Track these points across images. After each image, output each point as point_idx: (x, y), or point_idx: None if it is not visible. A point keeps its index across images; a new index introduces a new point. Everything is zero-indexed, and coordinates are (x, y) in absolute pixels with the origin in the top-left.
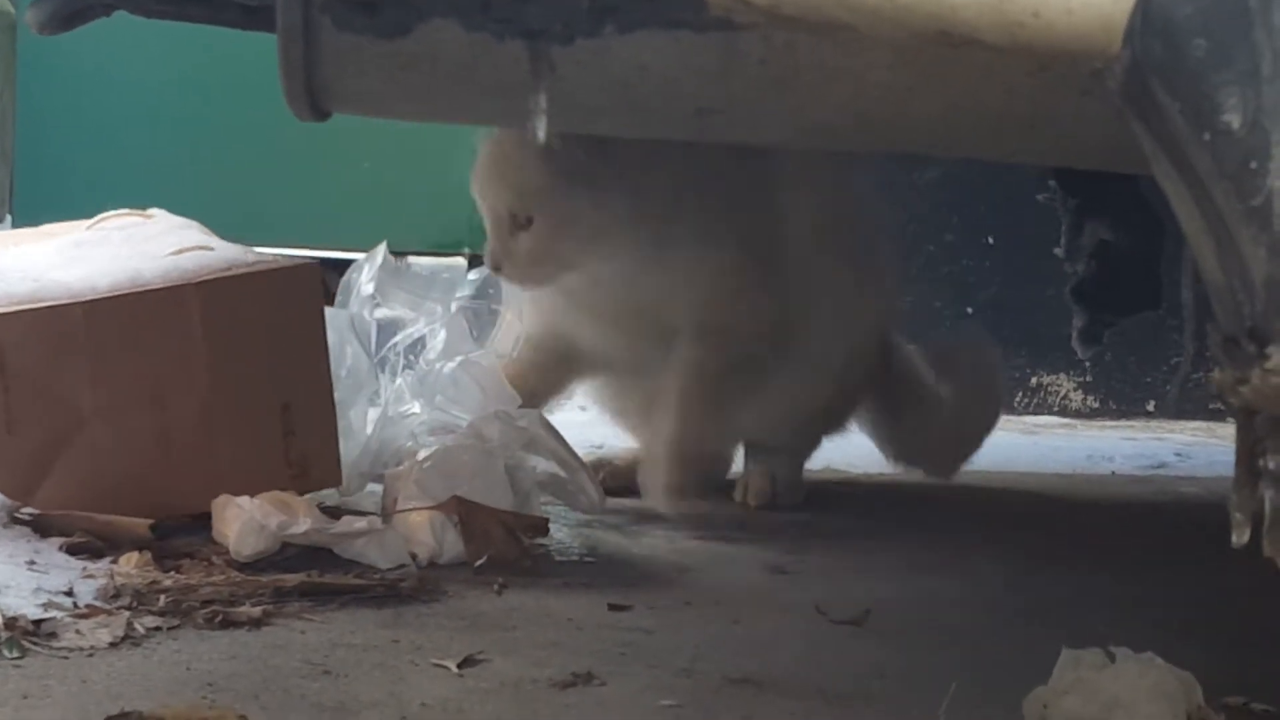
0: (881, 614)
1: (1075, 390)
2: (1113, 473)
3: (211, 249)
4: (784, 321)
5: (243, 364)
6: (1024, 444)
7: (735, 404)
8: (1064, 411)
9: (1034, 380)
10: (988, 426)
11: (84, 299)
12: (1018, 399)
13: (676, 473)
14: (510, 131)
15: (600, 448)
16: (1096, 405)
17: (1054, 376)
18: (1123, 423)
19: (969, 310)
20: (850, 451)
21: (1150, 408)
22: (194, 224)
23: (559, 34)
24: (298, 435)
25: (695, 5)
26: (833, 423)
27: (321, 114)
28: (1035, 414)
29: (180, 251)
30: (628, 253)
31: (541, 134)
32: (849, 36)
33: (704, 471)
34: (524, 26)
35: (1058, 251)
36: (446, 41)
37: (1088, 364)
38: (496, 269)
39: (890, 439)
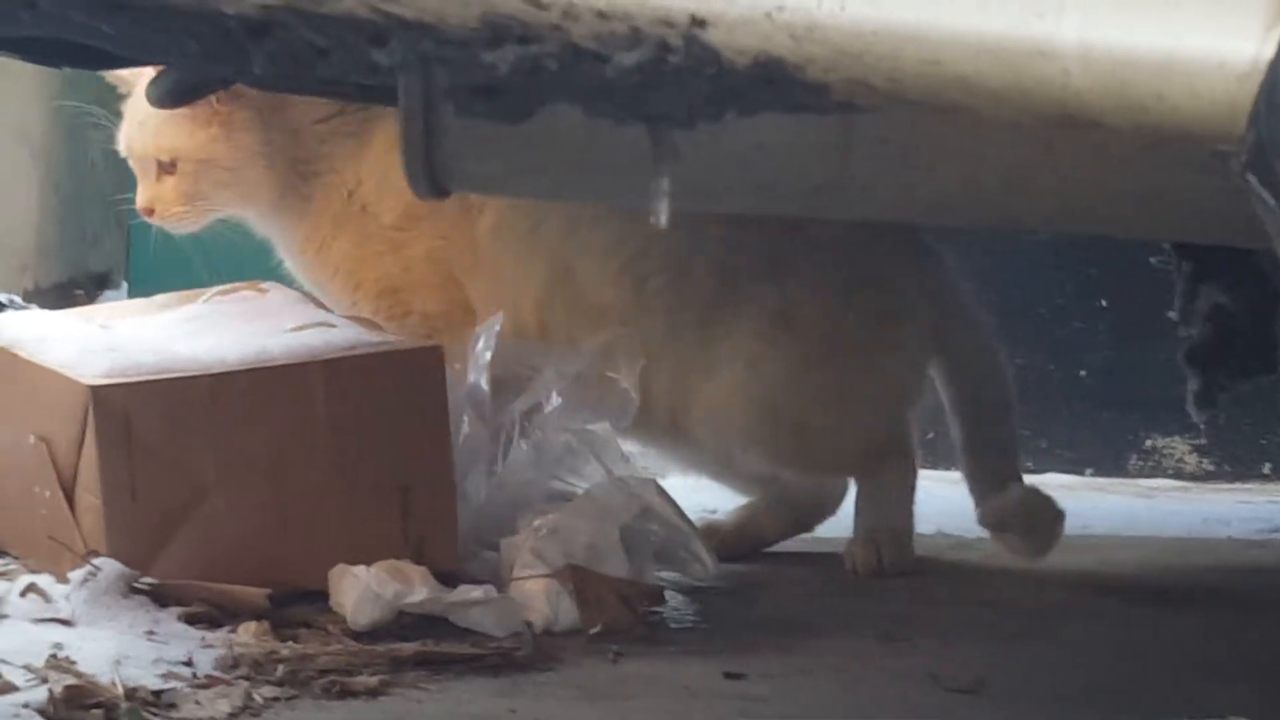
0: (995, 681)
1: (1190, 453)
2: (1228, 537)
3: (333, 325)
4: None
5: (363, 443)
6: (1138, 507)
7: None
8: (1178, 474)
9: (1148, 443)
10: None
11: (211, 372)
12: (1131, 462)
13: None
14: None
15: (714, 513)
16: (1211, 468)
17: (1168, 439)
18: (1238, 485)
19: (1081, 373)
20: (960, 516)
21: (1266, 470)
22: (309, 298)
23: (681, 118)
24: (415, 517)
25: (818, 89)
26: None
27: (441, 192)
28: (1149, 477)
29: (302, 328)
30: (268, 194)
31: (664, 217)
32: (969, 117)
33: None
34: (646, 112)
35: (1171, 315)
36: (567, 125)
37: (1202, 426)
38: (149, 212)
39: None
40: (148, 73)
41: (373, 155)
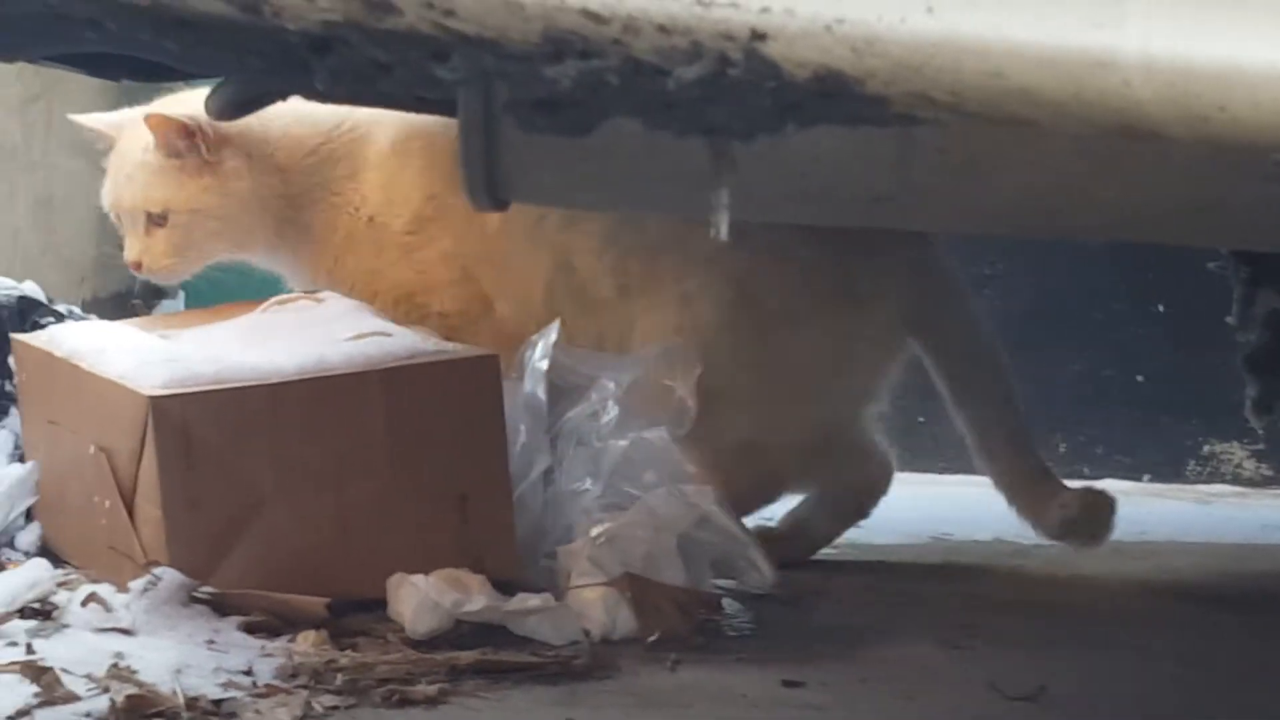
0: (1055, 690)
1: (1248, 458)
2: None
3: (390, 334)
4: None
5: (422, 452)
6: (1196, 514)
7: None
8: (1236, 480)
9: (1206, 448)
10: None
11: (270, 381)
12: (1189, 468)
13: None
14: (137, 140)
15: (771, 521)
16: (1270, 473)
17: (1226, 444)
18: None
19: (1139, 378)
20: (1018, 522)
21: None
22: (366, 306)
23: (741, 131)
24: (473, 525)
25: (878, 102)
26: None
27: (501, 204)
28: (1207, 483)
29: (360, 336)
30: (263, 234)
31: (724, 229)
32: (1029, 129)
33: None
34: (706, 124)
35: (1229, 320)
36: (627, 138)
37: (1260, 432)
38: (137, 266)
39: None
40: (129, 127)
41: (371, 169)
